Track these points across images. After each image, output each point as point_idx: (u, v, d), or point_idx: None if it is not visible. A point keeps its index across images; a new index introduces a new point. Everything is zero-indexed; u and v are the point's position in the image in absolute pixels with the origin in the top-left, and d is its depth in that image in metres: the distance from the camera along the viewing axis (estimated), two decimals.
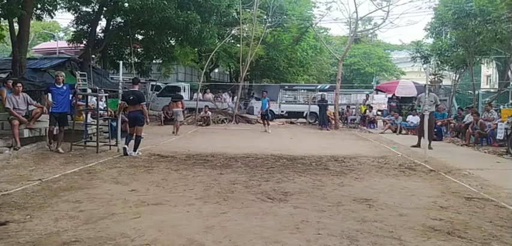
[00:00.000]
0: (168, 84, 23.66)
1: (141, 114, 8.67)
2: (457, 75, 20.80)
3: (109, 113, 10.85)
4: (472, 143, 12.02)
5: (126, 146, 8.53)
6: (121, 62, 10.73)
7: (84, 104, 10.03)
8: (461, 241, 3.72)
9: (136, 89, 9.01)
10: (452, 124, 14.93)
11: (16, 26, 12.97)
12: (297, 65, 30.72)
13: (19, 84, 8.85)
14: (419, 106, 10.71)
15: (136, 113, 8.64)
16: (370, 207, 4.85)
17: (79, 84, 11.21)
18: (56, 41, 32.58)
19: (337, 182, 6.30)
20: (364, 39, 41.79)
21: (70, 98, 9.38)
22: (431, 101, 10.76)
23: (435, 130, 13.95)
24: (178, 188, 5.69)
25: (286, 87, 24.93)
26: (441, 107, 19.02)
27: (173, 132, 13.75)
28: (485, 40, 15.32)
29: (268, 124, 16.32)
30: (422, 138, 10.50)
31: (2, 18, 11.94)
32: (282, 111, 22.15)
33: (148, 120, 8.95)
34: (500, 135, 11.42)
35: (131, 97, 8.67)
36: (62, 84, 8.93)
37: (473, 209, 4.82)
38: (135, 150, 8.52)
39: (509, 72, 19.99)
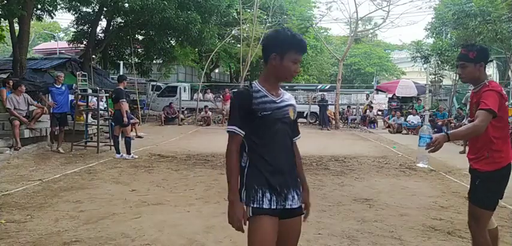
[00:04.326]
0: (168, 85, 23.69)
1: (120, 113, 8.23)
2: (458, 75, 20.77)
3: (109, 113, 10.86)
4: None
5: (118, 155, 8.25)
6: (121, 63, 10.72)
7: (85, 104, 10.03)
8: (461, 241, 3.72)
9: (120, 87, 8.58)
10: (452, 124, 14.93)
11: (16, 27, 12.98)
12: None
13: (23, 86, 8.86)
14: (466, 105, 10.60)
15: (116, 112, 8.39)
16: (370, 207, 4.85)
17: (79, 83, 11.23)
18: (56, 41, 32.59)
19: (338, 181, 6.30)
20: (365, 39, 41.79)
21: (71, 99, 9.38)
22: None
23: (435, 130, 13.98)
24: (178, 188, 5.70)
25: (287, 87, 24.91)
26: (441, 107, 19.04)
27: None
28: (485, 40, 15.31)
29: None
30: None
31: (2, 19, 11.94)
32: None
33: (125, 118, 8.23)
34: None
35: (113, 96, 8.57)
36: (61, 85, 8.98)
37: None
38: (128, 152, 8.18)
39: (509, 72, 19.97)
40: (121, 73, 12.17)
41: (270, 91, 2.03)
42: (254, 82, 2.08)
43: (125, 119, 8.25)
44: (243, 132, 1.97)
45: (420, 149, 2.60)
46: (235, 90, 2.06)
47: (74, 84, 11.09)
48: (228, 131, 1.99)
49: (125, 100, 8.40)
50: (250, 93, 2.00)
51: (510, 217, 4.51)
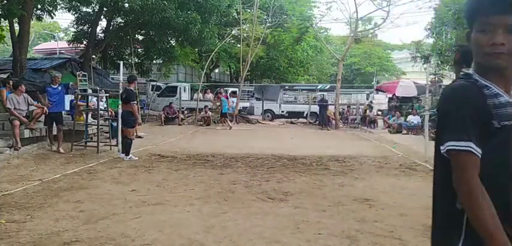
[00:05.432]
0: (168, 85, 23.71)
1: (129, 114, 8.20)
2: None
3: (109, 113, 10.86)
4: None
5: (120, 153, 8.27)
6: (121, 63, 10.67)
7: (85, 104, 10.03)
8: None
9: (130, 87, 8.57)
10: None
11: (16, 27, 12.99)
12: (298, 65, 30.74)
13: (23, 86, 8.88)
14: None
15: (124, 113, 8.32)
16: (370, 207, 4.85)
17: (76, 83, 11.21)
18: (56, 41, 32.60)
19: (338, 182, 6.30)
20: (365, 39, 41.75)
21: (71, 99, 9.41)
22: None
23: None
24: (178, 188, 5.70)
25: (287, 87, 24.93)
26: None
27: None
28: None
29: (226, 121, 17.49)
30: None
31: (2, 19, 11.94)
32: (283, 111, 22.17)
33: (139, 119, 8.38)
34: None
35: (124, 96, 8.49)
36: (57, 85, 9.04)
37: None
38: (127, 154, 8.09)
39: None
40: (121, 73, 12.04)
41: (499, 86, 1.26)
42: (469, 71, 1.31)
43: (138, 121, 8.41)
44: (480, 152, 1.18)
45: None
46: (455, 85, 1.29)
47: (71, 83, 11.10)
48: (453, 150, 1.19)
49: (135, 102, 8.43)
50: (481, 90, 1.24)
51: None
